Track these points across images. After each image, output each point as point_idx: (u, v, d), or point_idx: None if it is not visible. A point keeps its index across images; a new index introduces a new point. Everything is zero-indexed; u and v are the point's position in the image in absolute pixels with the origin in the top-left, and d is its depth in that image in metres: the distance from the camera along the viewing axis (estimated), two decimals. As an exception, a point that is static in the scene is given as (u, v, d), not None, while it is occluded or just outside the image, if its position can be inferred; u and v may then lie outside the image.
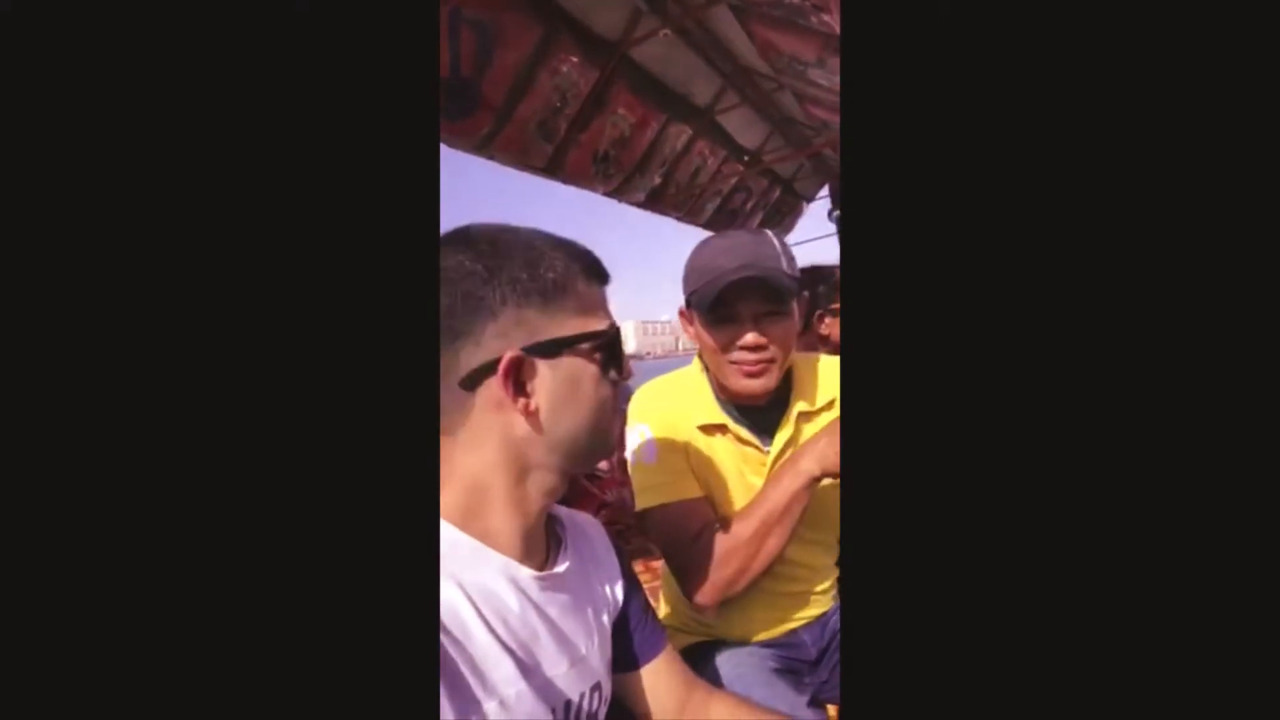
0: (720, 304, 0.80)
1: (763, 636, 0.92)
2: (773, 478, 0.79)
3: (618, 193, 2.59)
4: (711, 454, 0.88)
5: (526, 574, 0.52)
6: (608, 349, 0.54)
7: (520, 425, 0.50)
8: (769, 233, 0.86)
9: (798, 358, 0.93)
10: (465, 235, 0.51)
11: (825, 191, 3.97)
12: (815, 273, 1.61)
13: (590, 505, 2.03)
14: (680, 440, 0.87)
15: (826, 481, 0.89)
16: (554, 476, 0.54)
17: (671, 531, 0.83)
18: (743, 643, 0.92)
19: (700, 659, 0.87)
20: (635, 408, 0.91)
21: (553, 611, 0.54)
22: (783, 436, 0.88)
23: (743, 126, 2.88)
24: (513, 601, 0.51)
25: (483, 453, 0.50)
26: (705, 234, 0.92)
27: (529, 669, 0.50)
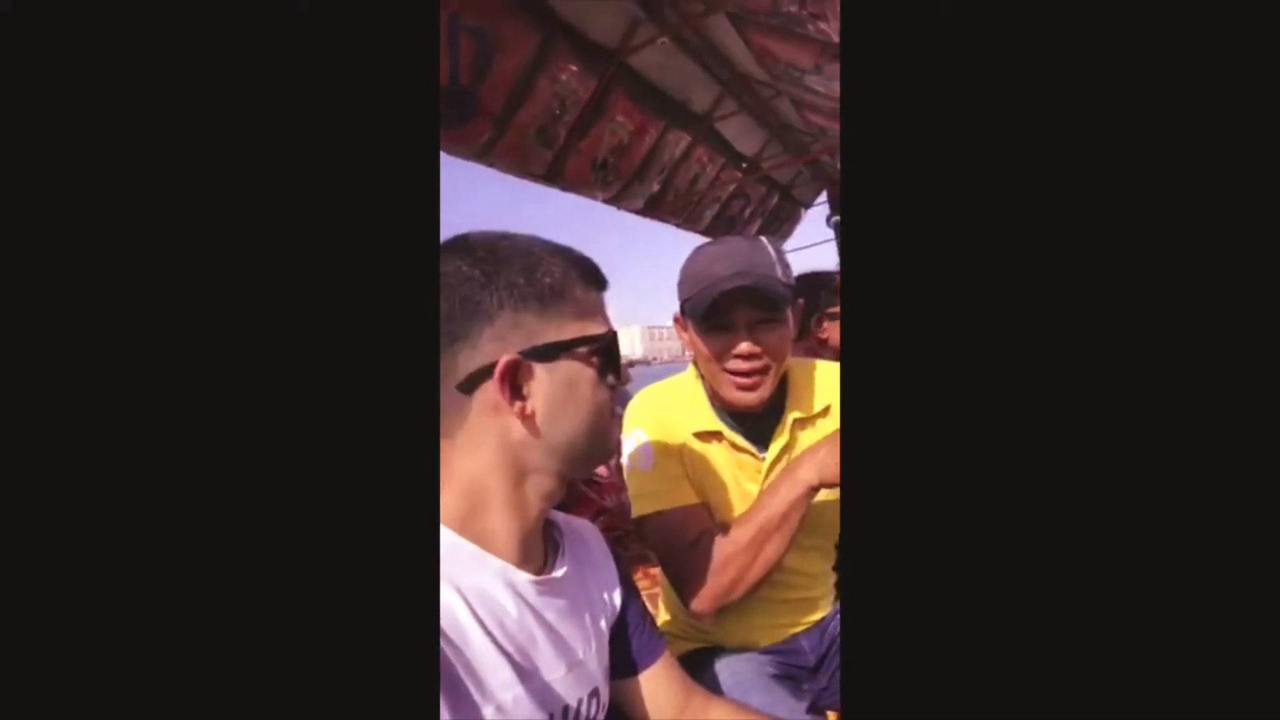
0: (714, 312, 0.80)
1: (761, 643, 0.92)
2: (771, 486, 0.79)
3: (617, 199, 2.60)
4: (707, 461, 0.88)
5: (524, 578, 0.52)
6: (605, 353, 0.54)
7: (517, 429, 0.50)
8: (764, 239, 0.86)
9: (794, 363, 0.93)
10: (464, 242, 0.52)
11: (823, 197, 3.98)
12: (813, 278, 1.61)
13: (589, 511, 2.03)
14: (676, 447, 0.87)
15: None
16: (552, 480, 0.54)
17: (668, 538, 0.82)
18: (741, 649, 0.91)
19: (699, 665, 0.86)
20: (631, 414, 0.91)
21: (550, 616, 0.54)
22: (778, 443, 0.88)
23: (741, 133, 2.90)
24: (510, 606, 0.51)
25: (480, 456, 0.51)
26: (706, 240, 0.92)
27: (526, 673, 0.50)
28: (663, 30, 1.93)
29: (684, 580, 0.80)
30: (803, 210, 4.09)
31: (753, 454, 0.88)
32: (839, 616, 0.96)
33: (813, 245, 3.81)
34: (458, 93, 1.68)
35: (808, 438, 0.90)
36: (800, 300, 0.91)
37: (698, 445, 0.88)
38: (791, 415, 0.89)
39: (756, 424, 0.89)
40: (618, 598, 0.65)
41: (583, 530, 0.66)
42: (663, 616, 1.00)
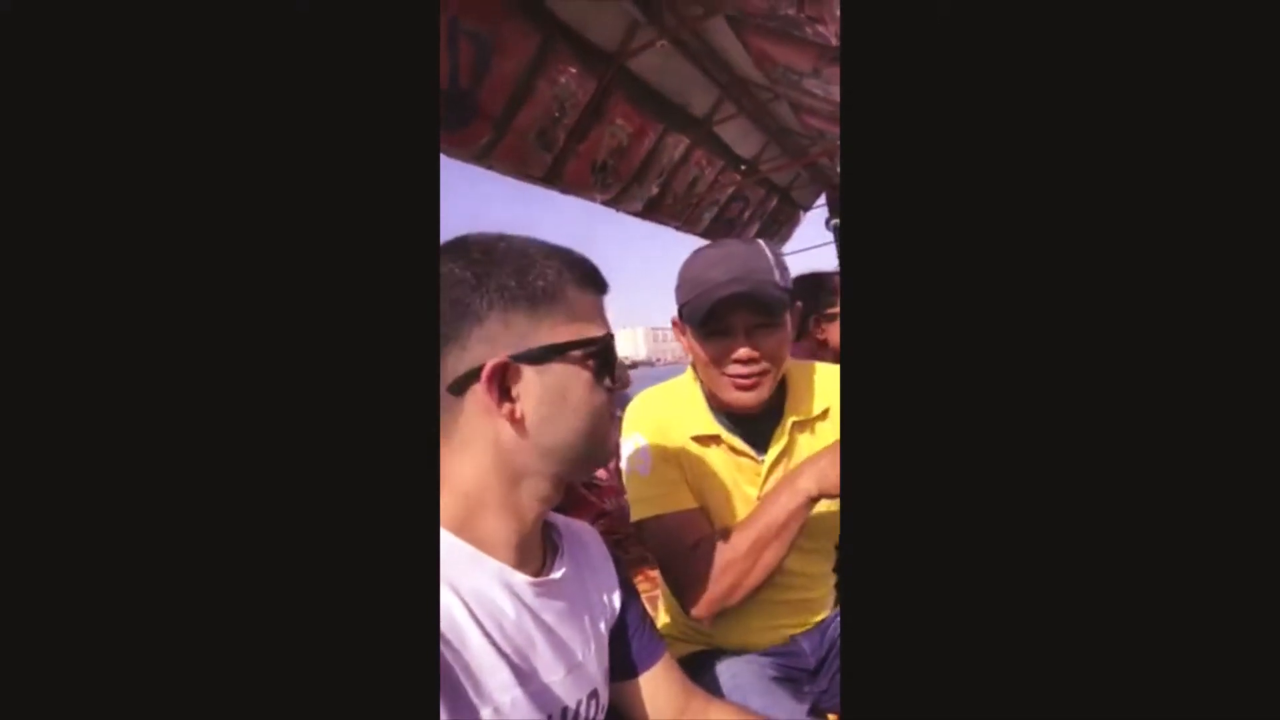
0: (712, 317, 0.80)
1: (761, 645, 0.92)
2: (771, 494, 0.79)
3: (616, 202, 2.60)
4: (706, 464, 0.88)
5: (522, 580, 0.52)
6: (600, 357, 0.53)
7: (507, 431, 0.50)
8: (761, 242, 0.86)
9: (792, 365, 0.93)
10: (461, 244, 0.52)
11: (822, 200, 3.99)
12: (812, 278, 1.62)
13: (589, 514, 2.02)
14: (674, 451, 0.87)
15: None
16: (546, 483, 0.53)
17: (666, 543, 0.83)
18: (741, 651, 0.91)
19: (699, 668, 0.86)
20: (630, 418, 0.91)
21: (549, 618, 0.54)
22: (777, 446, 0.88)
23: (739, 136, 2.90)
24: (508, 608, 0.50)
25: (473, 458, 0.51)
26: (700, 243, 0.92)
27: (525, 675, 0.50)
28: (662, 33, 1.93)
29: (682, 585, 0.80)
30: (801, 213, 4.10)
31: (751, 457, 0.88)
32: (838, 618, 0.96)
33: (812, 248, 3.82)
34: (457, 95, 1.69)
35: (806, 440, 0.90)
36: (799, 303, 0.91)
37: (696, 449, 0.88)
38: (790, 418, 0.89)
39: (755, 426, 0.89)
40: (617, 600, 0.65)
41: (582, 533, 0.66)
42: (662, 619, 1.00)
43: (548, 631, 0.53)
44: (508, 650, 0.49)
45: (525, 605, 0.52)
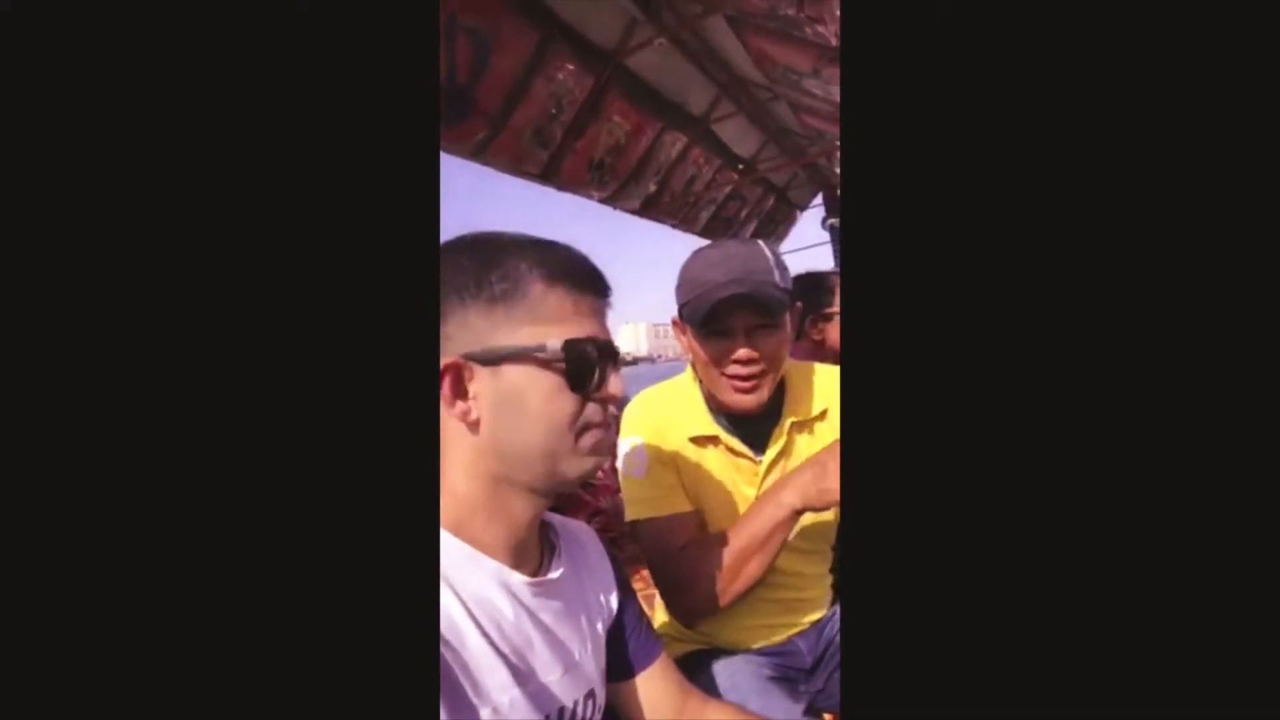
0: (712, 318, 0.80)
1: (758, 644, 0.92)
2: (755, 506, 0.80)
3: (613, 200, 2.60)
4: (703, 466, 0.88)
5: (520, 580, 0.52)
6: (571, 361, 0.49)
7: (469, 433, 0.50)
8: (761, 243, 0.86)
9: (792, 366, 0.93)
10: (447, 244, 0.51)
11: (819, 200, 4.00)
12: (808, 278, 1.62)
13: (584, 512, 2.02)
14: (671, 453, 0.87)
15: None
16: (522, 489, 0.52)
17: (657, 546, 0.83)
18: (738, 651, 0.91)
19: (696, 667, 0.86)
20: (628, 419, 0.91)
21: (546, 618, 0.54)
22: (775, 447, 0.88)
23: (737, 135, 2.91)
24: (506, 607, 0.51)
25: (458, 459, 0.51)
26: (700, 241, 0.92)
27: (523, 675, 0.50)
28: (660, 31, 1.93)
29: (669, 589, 0.81)
30: (798, 212, 4.11)
31: (749, 457, 0.88)
32: (835, 618, 0.96)
33: (808, 247, 3.83)
34: (454, 92, 1.68)
35: (805, 441, 0.91)
36: (798, 303, 0.91)
37: (694, 450, 0.88)
38: (789, 419, 0.89)
39: (754, 427, 0.89)
40: (614, 600, 0.65)
41: (579, 533, 0.66)
42: (659, 618, 1.00)
43: (545, 631, 0.53)
44: (506, 650, 0.49)
45: (523, 605, 0.52)
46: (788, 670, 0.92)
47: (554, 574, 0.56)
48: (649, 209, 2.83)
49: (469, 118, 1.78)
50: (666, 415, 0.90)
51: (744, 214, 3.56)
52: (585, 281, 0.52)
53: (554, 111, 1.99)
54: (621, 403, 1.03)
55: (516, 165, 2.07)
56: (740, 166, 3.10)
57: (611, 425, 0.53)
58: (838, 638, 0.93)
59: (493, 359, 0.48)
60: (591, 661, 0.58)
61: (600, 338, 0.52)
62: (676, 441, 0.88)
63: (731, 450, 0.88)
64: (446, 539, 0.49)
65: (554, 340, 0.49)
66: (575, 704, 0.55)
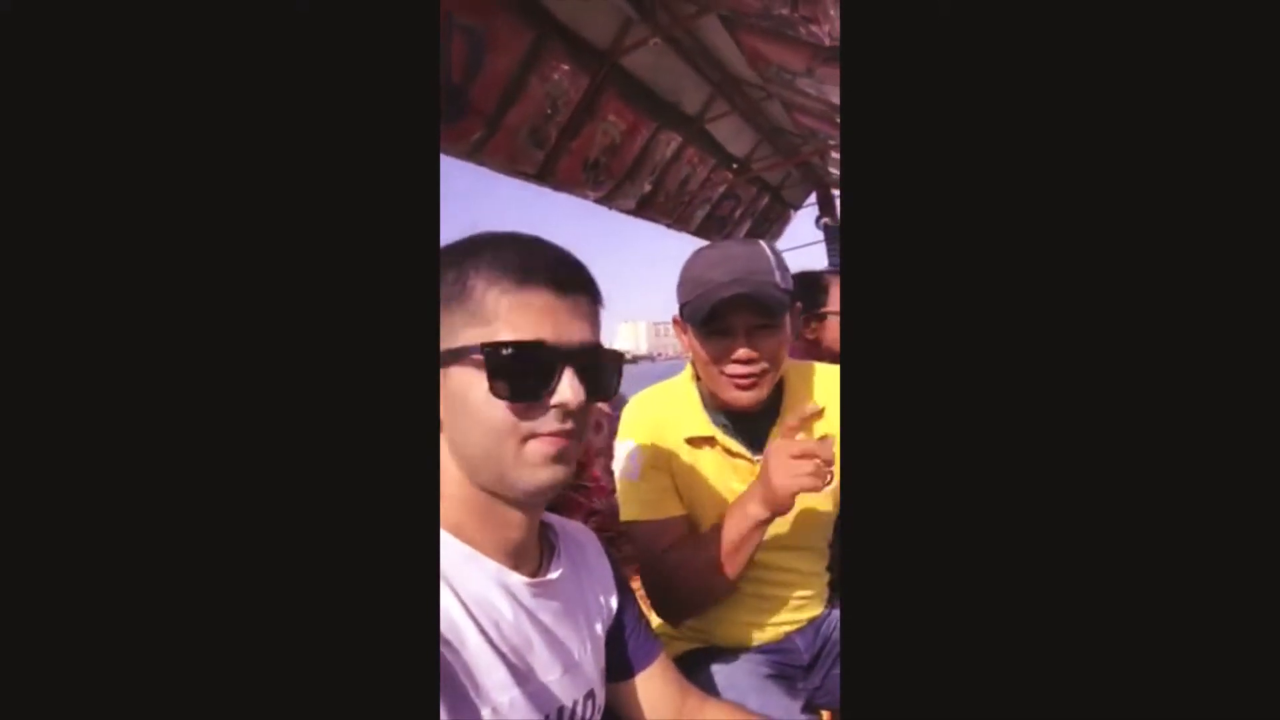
0: (713, 317, 0.81)
1: (755, 642, 0.93)
2: (726, 516, 0.81)
3: (608, 199, 2.60)
4: (698, 467, 0.89)
5: (519, 580, 0.52)
6: (507, 362, 0.46)
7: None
8: (763, 244, 0.86)
9: (790, 366, 0.93)
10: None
11: (813, 199, 4.01)
12: (801, 278, 1.62)
13: (578, 514, 2.02)
14: (666, 455, 0.88)
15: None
16: (493, 494, 0.50)
17: (644, 547, 0.85)
18: (736, 649, 0.92)
19: (694, 666, 0.87)
20: (624, 420, 0.92)
21: (545, 618, 0.54)
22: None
23: (732, 135, 2.91)
24: (506, 608, 0.51)
25: (447, 459, 0.51)
26: (696, 240, 0.93)
27: (522, 675, 0.50)
28: (655, 31, 1.93)
29: (651, 589, 0.84)
30: (792, 211, 4.12)
31: (746, 457, 0.89)
32: (832, 615, 0.97)
33: (802, 246, 3.84)
34: (450, 91, 1.68)
35: (802, 440, 0.91)
36: (798, 304, 0.91)
37: (690, 451, 0.89)
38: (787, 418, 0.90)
39: (751, 426, 0.90)
40: (613, 600, 0.65)
41: (578, 533, 0.66)
42: (657, 618, 1.01)
43: (544, 631, 0.53)
44: (505, 650, 0.49)
45: (522, 605, 0.52)
46: (785, 668, 0.93)
47: (553, 574, 0.56)
48: (644, 209, 2.83)
49: (464, 117, 1.78)
50: (663, 416, 0.91)
51: (738, 213, 3.57)
52: (536, 280, 0.49)
53: (549, 111, 1.98)
54: (619, 403, 1.03)
55: (512, 165, 2.07)
56: (735, 166, 3.11)
57: (574, 435, 0.49)
58: (835, 635, 0.94)
59: (443, 361, 0.48)
60: (591, 661, 0.58)
61: (549, 340, 0.48)
62: (673, 443, 0.88)
63: (728, 451, 0.89)
64: (446, 539, 0.49)
65: (487, 341, 0.47)
66: (575, 704, 0.55)
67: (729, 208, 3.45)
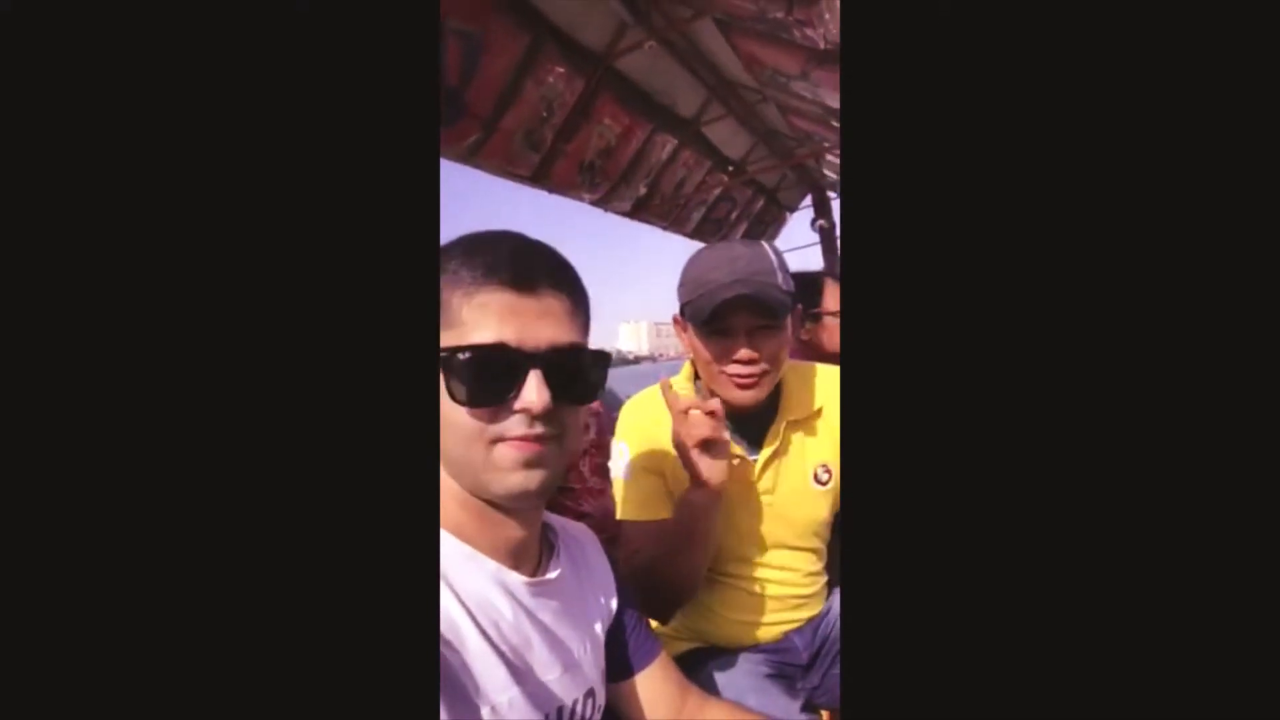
0: (714, 317, 0.81)
1: (754, 642, 0.93)
2: (675, 511, 0.82)
3: (604, 202, 2.61)
4: None
5: (518, 580, 0.52)
6: (466, 366, 0.45)
7: None
8: (765, 244, 0.87)
9: (789, 366, 0.94)
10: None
11: (808, 201, 4.02)
12: (795, 279, 1.62)
13: (568, 516, 2.00)
14: (659, 456, 0.88)
15: (815, 488, 0.90)
16: (474, 500, 0.50)
17: (626, 547, 0.87)
18: (735, 649, 0.92)
19: (693, 666, 0.87)
20: (621, 421, 0.93)
21: (545, 617, 0.54)
22: (770, 446, 0.89)
23: (727, 137, 2.92)
24: (505, 607, 0.51)
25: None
26: (691, 243, 0.94)
27: (522, 674, 0.50)
28: (650, 34, 1.94)
29: (636, 588, 0.84)
30: (788, 214, 4.13)
31: (743, 457, 0.89)
32: (829, 614, 0.97)
33: (798, 248, 3.85)
34: (445, 94, 1.68)
35: (800, 439, 0.92)
36: (799, 305, 0.92)
37: None
38: (784, 418, 0.90)
39: (749, 426, 0.90)
40: (613, 600, 0.65)
41: (578, 534, 0.66)
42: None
43: (544, 631, 0.53)
44: (505, 649, 0.49)
45: (521, 605, 0.52)
46: (784, 667, 0.93)
47: (552, 574, 0.56)
48: (640, 211, 2.84)
49: (460, 121, 1.78)
50: (659, 417, 0.91)
51: (734, 215, 3.58)
52: (496, 279, 0.47)
53: (545, 114, 1.98)
54: (615, 404, 1.03)
55: (508, 168, 2.07)
56: (730, 168, 3.11)
57: (548, 439, 0.48)
58: (833, 634, 0.94)
59: None
60: (591, 661, 0.58)
61: (512, 342, 0.46)
62: (668, 443, 0.88)
63: None
64: (445, 539, 0.49)
65: (453, 344, 0.46)
66: (575, 703, 0.55)
67: (725, 210, 3.46)
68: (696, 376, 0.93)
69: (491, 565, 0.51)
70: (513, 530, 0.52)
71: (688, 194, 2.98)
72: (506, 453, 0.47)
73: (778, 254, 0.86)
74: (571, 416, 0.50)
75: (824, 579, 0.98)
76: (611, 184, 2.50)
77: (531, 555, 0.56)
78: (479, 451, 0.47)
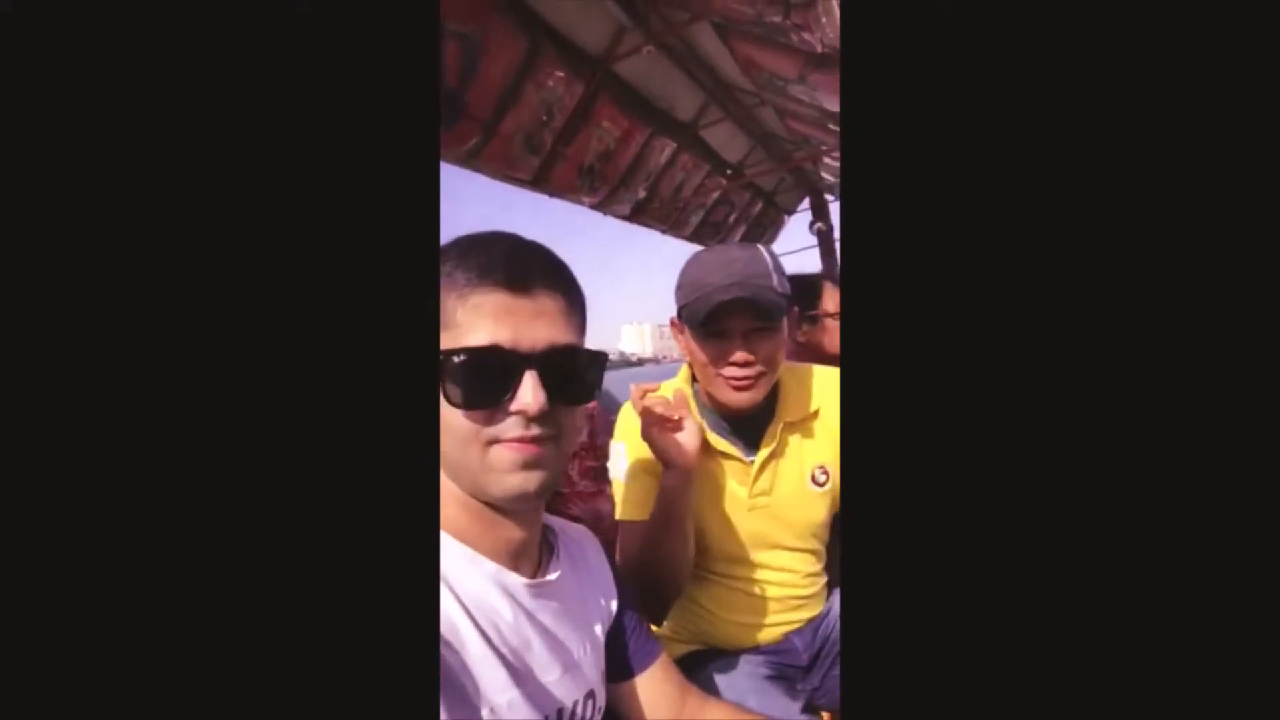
0: (711, 320, 0.82)
1: (754, 643, 0.93)
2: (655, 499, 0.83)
3: (603, 205, 2.61)
4: None
5: (518, 581, 0.52)
6: (460, 369, 0.45)
7: None
8: (761, 247, 0.88)
9: (786, 368, 0.94)
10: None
11: (806, 204, 4.03)
12: (792, 281, 1.62)
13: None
14: (653, 459, 0.88)
15: (813, 490, 0.90)
16: (471, 502, 0.50)
17: (620, 548, 0.87)
18: (735, 650, 0.92)
19: (694, 667, 0.87)
20: (619, 423, 0.93)
21: (545, 619, 0.54)
22: (767, 448, 0.90)
23: (725, 141, 2.92)
24: (505, 609, 0.51)
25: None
26: (693, 246, 0.94)
27: (522, 676, 0.50)
28: (648, 38, 1.94)
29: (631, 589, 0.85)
30: (786, 217, 4.14)
31: (739, 459, 0.89)
32: (829, 615, 0.97)
33: (796, 251, 3.86)
34: (444, 97, 1.68)
35: (797, 441, 0.92)
36: (795, 307, 0.92)
37: None
38: (781, 420, 0.91)
39: (746, 428, 0.91)
40: (613, 601, 0.65)
41: (578, 535, 0.66)
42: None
43: (544, 632, 0.53)
44: (505, 651, 0.49)
45: (521, 606, 0.52)
46: (784, 669, 0.93)
47: (552, 575, 0.56)
48: (639, 214, 2.84)
49: (459, 124, 1.78)
50: None
51: (733, 218, 3.58)
52: (490, 281, 0.47)
53: (544, 117, 1.99)
54: (613, 405, 1.03)
55: (507, 171, 2.07)
56: (728, 171, 3.12)
57: (546, 440, 0.48)
58: (833, 635, 0.94)
59: None
60: (591, 662, 0.58)
61: (507, 343, 0.46)
62: None
63: (722, 453, 0.89)
64: (445, 540, 0.49)
65: (449, 348, 0.46)
66: (575, 704, 0.55)
67: (723, 213, 3.47)
68: (695, 379, 0.93)
69: (491, 567, 0.51)
70: (512, 531, 0.52)
71: (686, 197, 2.98)
72: (504, 454, 0.47)
73: (773, 257, 0.86)
74: (568, 417, 0.50)
75: (823, 580, 0.98)
76: (611, 187, 2.50)
77: (531, 557, 0.56)
78: (476, 453, 0.47)
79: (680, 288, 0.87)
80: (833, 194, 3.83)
